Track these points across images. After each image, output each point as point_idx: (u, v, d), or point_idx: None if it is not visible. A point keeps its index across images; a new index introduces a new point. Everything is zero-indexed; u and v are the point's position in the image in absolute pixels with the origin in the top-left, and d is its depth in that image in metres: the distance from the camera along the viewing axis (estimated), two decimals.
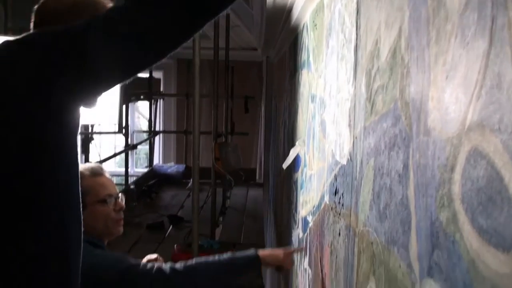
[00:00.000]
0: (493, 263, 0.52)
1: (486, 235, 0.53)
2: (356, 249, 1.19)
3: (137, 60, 1.19)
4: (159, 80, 9.28)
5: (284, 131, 3.60)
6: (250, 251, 2.02)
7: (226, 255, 1.96)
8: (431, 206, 0.69)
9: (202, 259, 1.92)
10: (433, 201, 0.69)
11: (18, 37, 1.19)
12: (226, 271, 1.94)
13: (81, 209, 1.32)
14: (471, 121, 0.58)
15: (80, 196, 1.32)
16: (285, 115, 3.57)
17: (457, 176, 0.61)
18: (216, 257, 1.94)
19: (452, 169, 0.62)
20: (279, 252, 2.13)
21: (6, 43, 1.20)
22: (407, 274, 0.79)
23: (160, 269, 1.78)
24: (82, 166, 1.84)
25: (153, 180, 7.48)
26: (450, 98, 0.64)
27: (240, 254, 2.00)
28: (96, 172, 1.90)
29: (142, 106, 9.35)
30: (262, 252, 2.04)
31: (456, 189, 0.61)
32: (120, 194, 1.95)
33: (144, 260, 2.11)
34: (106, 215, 1.86)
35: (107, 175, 1.96)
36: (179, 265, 1.83)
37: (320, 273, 1.72)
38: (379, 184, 0.98)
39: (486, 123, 0.54)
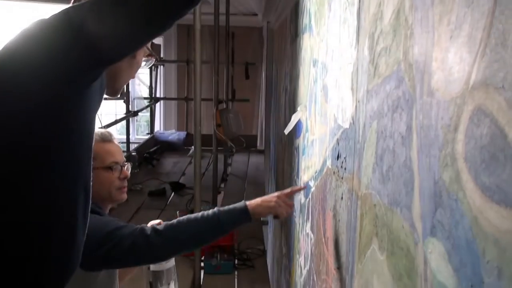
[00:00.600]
0: (496, 219, 0.53)
1: (489, 192, 0.54)
2: (358, 212, 1.20)
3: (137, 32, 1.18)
4: (159, 46, 9.21)
5: (285, 97, 3.59)
6: (239, 204, 1.89)
7: (212, 210, 1.85)
8: (434, 166, 0.70)
9: (185, 217, 1.84)
10: (437, 161, 0.69)
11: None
12: (212, 228, 1.84)
13: (91, 176, 1.33)
14: (475, 80, 0.58)
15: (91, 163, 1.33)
16: (286, 81, 3.56)
17: (460, 135, 0.62)
18: (199, 214, 1.85)
19: (456, 129, 0.63)
20: (270, 199, 1.94)
21: (38, 20, 1.20)
22: (410, 234, 0.81)
23: (142, 229, 1.77)
24: None
25: (155, 147, 7.49)
26: (454, 58, 0.64)
27: (228, 208, 1.88)
28: (105, 138, 1.91)
29: (143, 73, 9.30)
30: (251, 202, 1.89)
31: (460, 148, 0.62)
32: (127, 163, 1.95)
33: (148, 225, 2.13)
34: (111, 182, 1.87)
35: (116, 142, 1.97)
36: (161, 225, 1.80)
37: (323, 237, 1.73)
38: (382, 147, 0.99)
39: (490, 82, 0.54)
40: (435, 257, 0.70)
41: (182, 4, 1.13)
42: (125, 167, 1.92)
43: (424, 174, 0.74)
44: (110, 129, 2.00)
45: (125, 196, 1.92)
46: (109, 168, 1.86)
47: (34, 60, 1.14)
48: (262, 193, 5.98)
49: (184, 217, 1.84)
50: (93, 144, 1.32)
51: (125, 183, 1.91)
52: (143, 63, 1.57)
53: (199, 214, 1.84)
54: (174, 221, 1.82)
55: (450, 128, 0.65)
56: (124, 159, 1.96)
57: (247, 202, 1.88)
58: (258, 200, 1.91)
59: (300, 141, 2.44)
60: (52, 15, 1.16)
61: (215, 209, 1.86)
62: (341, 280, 1.40)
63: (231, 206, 1.87)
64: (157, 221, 2.17)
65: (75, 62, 1.13)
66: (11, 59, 1.17)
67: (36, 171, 1.18)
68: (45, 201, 1.20)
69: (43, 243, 1.22)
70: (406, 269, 0.82)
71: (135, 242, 1.73)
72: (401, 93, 0.86)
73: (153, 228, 1.77)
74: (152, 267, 2.06)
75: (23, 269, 1.21)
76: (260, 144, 8.74)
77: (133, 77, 1.53)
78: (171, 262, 2.14)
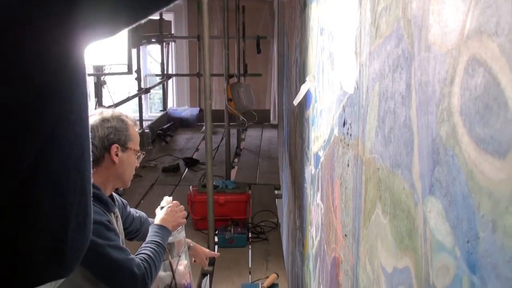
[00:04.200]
0: (490, 171, 0.51)
1: (483, 144, 0.52)
2: (363, 178, 1.19)
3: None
4: (169, 22, 9.17)
5: (296, 69, 3.56)
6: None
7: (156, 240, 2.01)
8: (432, 123, 0.68)
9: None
10: (434, 118, 0.67)
11: None
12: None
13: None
14: (469, 30, 0.56)
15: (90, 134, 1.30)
16: (296, 53, 3.53)
17: (456, 88, 0.60)
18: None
19: (452, 82, 0.61)
20: None
21: None
22: (410, 194, 0.79)
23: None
24: (125, 115, 1.95)
25: (168, 124, 7.50)
26: (449, 8, 0.62)
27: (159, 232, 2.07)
28: (136, 125, 2.00)
29: (154, 51, 9.28)
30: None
31: (455, 101, 0.60)
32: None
33: (163, 203, 2.16)
34: (133, 166, 1.99)
35: None
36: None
37: (331, 206, 1.73)
38: (384, 109, 0.97)
39: (484, 29, 0.52)
40: (433, 215, 0.68)
41: None
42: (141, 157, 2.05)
43: (423, 133, 0.73)
44: (125, 108, 2.11)
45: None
46: (138, 152, 2.00)
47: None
48: (276, 167, 5.97)
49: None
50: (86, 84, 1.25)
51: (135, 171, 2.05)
52: None
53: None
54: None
55: (446, 82, 0.63)
56: None
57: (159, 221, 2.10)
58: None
59: (310, 112, 2.42)
60: None
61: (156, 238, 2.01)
62: (348, 247, 1.39)
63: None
64: (170, 198, 2.18)
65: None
66: None
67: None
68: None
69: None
70: (407, 230, 0.81)
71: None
72: (401, 51, 0.84)
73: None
74: None
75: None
76: (273, 119, 8.73)
77: None
78: (182, 234, 2.14)
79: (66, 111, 1.15)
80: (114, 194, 2.02)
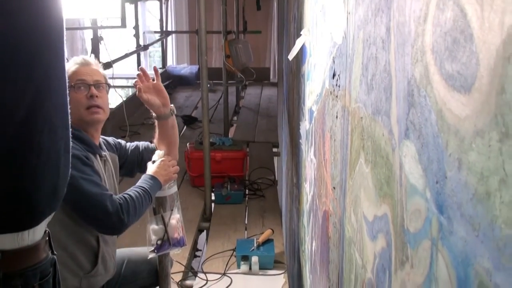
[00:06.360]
0: (456, 108, 0.50)
1: (452, 80, 0.51)
2: (349, 128, 1.17)
3: None
4: None
5: (294, 25, 3.52)
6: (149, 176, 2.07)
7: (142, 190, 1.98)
8: (408, 65, 0.67)
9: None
10: (409, 59, 0.66)
11: None
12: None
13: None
14: None
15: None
16: (295, 9, 3.48)
17: (428, 26, 0.58)
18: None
19: (425, 20, 0.59)
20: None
21: None
22: (389, 140, 0.78)
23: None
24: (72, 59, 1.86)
25: (167, 82, 7.46)
26: None
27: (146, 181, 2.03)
28: (78, 62, 1.91)
29: (153, 8, 9.16)
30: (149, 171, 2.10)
31: (428, 39, 0.58)
32: (104, 84, 1.96)
33: (154, 157, 2.14)
34: (78, 101, 1.86)
35: (93, 66, 1.94)
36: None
37: (323, 160, 1.72)
38: (367, 56, 0.95)
39: None
40: (408, 160, 0.67)
41: None
42: (95, 86, 1.91)
43: (400, 76, 0.71)
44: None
45: (95, 116, 1.91)
46: (74, 86, 1.85)
47: None
48: (275, 125, 5.96)
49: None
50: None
51: (94, 102, 1.90)
52: None
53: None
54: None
55: (420, 20, 0.61)
56: (102, 80, 1.95)
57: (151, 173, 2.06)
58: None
59: (305, 67, 2.39)
60: None
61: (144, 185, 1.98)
62: (337, 200, 1.39)
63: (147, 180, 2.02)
64: (162, 152, 2.17)
65: None
66: None
67: None
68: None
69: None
70: (386, 177, 0.80)
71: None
72: None
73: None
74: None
75: None
76: (273, 77, 8.67)
77: None
78: (174, 188, 2.14)
79: (58, 50, 1.15)
80: (103, 140, 2.01)
